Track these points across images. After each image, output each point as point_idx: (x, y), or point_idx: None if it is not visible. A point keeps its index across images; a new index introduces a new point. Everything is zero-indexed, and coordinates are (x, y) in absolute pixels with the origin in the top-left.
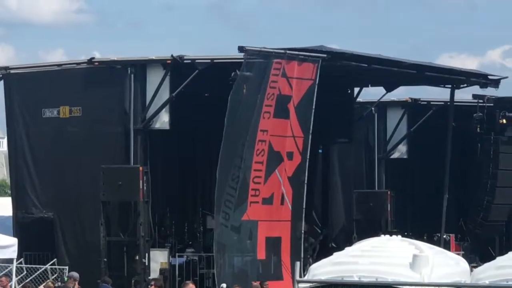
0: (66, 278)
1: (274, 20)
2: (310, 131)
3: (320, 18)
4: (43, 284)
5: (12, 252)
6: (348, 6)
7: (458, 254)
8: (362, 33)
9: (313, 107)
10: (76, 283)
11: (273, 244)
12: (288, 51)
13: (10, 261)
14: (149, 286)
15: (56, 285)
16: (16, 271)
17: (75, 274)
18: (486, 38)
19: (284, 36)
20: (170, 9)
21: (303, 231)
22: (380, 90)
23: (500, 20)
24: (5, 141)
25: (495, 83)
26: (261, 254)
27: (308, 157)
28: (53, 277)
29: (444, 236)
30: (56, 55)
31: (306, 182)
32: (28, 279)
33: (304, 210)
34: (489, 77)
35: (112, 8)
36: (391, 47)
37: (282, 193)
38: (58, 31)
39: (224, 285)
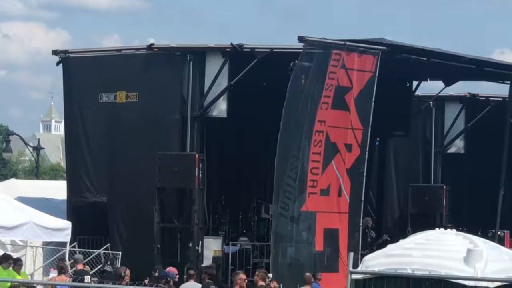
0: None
1: (323, 14)
2: (370, 124)
3: (368, 13)
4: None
5: (65, 235)
6: (398, 1)
7: None
8: (411, 29)
9: (373, 99)
10: (127, 269)
11: (331, 235)
12: (347, 43)
13: (63, 244)
14: (202, 275)
15: (108, 269)
16: (69, 254)
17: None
18: None
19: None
20: None
21: (361, 224)
22: (438, 84)
23: None
24: (62, 125)
25: None
26: (319, 246)
27: (367, 150)
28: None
29: (499, 232)
30: (111, 41)
31: (365, 174)
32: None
33: (362, 202)
34: None
35: None
36: (441, 43)
37: (339, 185)
38: (112, 16)
39: (270, 275)
